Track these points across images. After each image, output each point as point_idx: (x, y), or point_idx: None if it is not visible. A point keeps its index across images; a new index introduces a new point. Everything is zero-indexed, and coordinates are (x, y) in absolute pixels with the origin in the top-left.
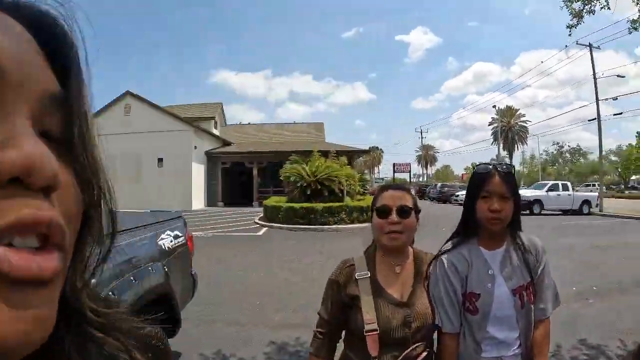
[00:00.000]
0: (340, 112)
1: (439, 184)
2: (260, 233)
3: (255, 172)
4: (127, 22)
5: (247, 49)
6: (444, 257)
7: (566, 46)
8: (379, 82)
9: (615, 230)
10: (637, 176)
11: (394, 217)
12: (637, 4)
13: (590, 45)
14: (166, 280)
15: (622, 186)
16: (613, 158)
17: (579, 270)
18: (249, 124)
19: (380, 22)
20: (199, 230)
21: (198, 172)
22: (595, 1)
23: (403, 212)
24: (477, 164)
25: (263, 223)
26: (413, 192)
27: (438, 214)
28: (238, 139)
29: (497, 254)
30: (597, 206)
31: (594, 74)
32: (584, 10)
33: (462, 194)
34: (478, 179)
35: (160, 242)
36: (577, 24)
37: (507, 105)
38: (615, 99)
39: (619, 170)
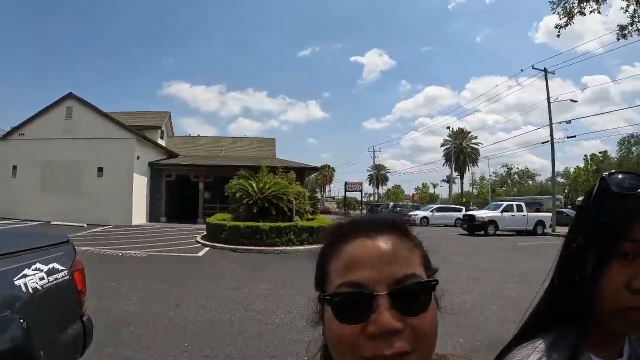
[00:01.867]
0: (293, 130)
1: (392, 204)
2: (201, 254)
3: (201, 186)
4: (81, 22)
5: (203, 62)
6: None
7: (522, 70)
8: (332, 101)
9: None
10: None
11: (384, 317)
12: (626, 10)
13: (545, 70)
14: (24, 339)
15: (570, 207)
16: (560, 180)
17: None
18: (198, 136)
19: (336, 43)
20: (134, 249)
21: (140, 185)
22: (586, 4)
23: (406, 298)
24: (613, 172)
25: (205, 242)
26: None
27: None
28: (185, 151)
29: None
30: (550, 227)
31: (548, 97)
32: (576, 11)
33: (414, 214)
34: (618, 210)
35: (19, 282)
36: (567, 24)
37: (459, 128)
38: (569, 122)
39: (566, 191)
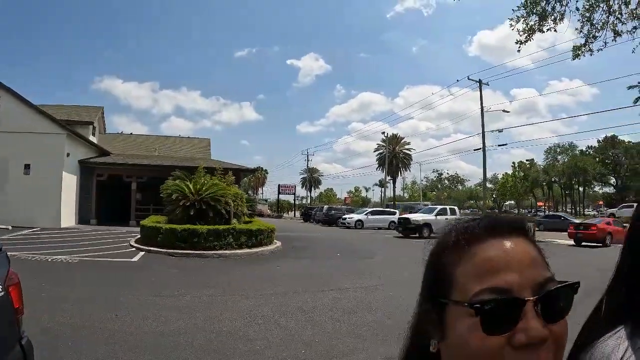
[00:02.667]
0: (226, 131)
1: (326, 207)
2: (136, 259)
3: (134, 187)
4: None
5: (137, 57)
6: None
7: (458, 80)
8: (267, 103)
9: None
10: (511, 202)
11: (534, 324)
12: (580, 31)
13: (480, 81)
14: None
15: (497, 211)
16: (489, 185)
17: None
18: (131, 134)
19: (273, 45)
20: (64, 254)
21: (70, 184)
22: (545, 22)
23: (550, 304)
24: None
25: (140, 246)
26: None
27: (334, 237)
28: (117, 149)
29: None
30: None
31: (482, 107)
32: (536, 28)
33: (349, 217)
34: None
35: None
36: (527, 40)
37: (393, 134)
38: (500, 131)
39: (494, 196)
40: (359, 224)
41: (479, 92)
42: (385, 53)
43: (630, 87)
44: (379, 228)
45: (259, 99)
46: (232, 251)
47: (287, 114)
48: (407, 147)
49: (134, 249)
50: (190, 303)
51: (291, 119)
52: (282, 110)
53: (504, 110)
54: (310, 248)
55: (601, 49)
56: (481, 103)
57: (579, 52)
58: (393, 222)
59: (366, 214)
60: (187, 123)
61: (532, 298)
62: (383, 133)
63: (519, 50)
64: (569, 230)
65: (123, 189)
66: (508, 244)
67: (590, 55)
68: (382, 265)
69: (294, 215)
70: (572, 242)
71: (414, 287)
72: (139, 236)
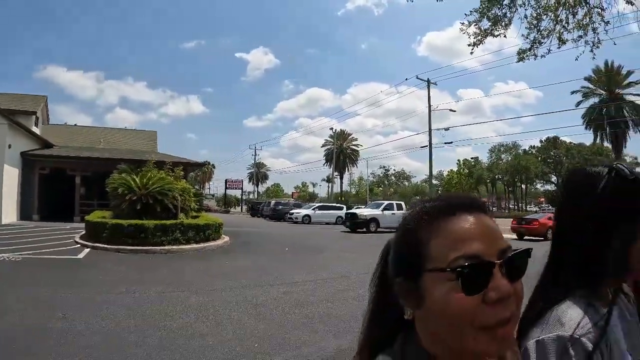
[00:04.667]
0: (173, 124)
1: (273, 202)
2: (82, 255)
3: (78, 180)
4: None
5: (82, 45)
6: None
7: (407, 79)
8: (214, 97)
9: None
10: None
11: (503, 283)
12: (527, 37)
13: (428, 81)
14: None
15: None
16: (435, 182)
17: None
18: (76, 125)
19: (222, 37)
20: (6, 252)
21: (11, 178)
22: (497, 27)
23: (513, 266)
24: (617, 165)
25: (85, 243)
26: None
27: (282, 232)
28: (61, 141)
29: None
30: None
31: (429, 106)
32: (488, 32)
33: (297, 212)
34: (634, 192)
35: None
36: (479, 43)
37: (341, 130)
38: (447, 129)
39: (440, 192)
40: (307, 219)
41: (426, 91)
42: (335, 50)
43: (573, 92)
44: (327, 223)
45: (206, 92)
46: (180, 247)
47: (234, 108)
48: (354, 143)
49: (79, 245)
50: (139, 300)
51: (239, 113)
52: (230, 104)
53: (450, 110)
54: (259, 243)
55: (544, 56)
56: (429, 102)
57: (524, 56)
58: (340, 217)
59: (313, 209)
60: (133, 115)
61: (499, 261)
62: (331, 129)
63: (471, 52)
64: (511, 225)
65: (67, 182)
66: (473, 217)
67: (535, 59)
68: (330, 259)
69: (242, 210)
70: (514, 236)
71: (363, 279)
72: (83, 232)
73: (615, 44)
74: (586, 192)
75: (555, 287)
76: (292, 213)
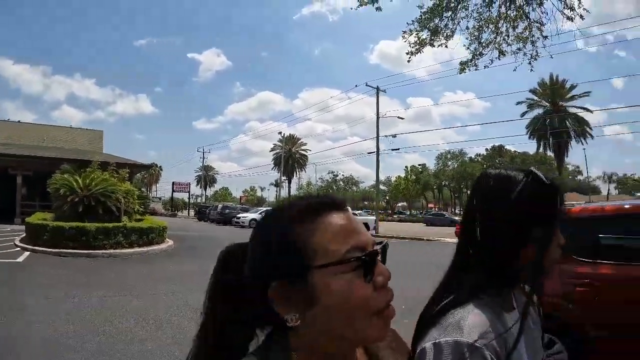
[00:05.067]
0: (121, 123)
1: (220, 205)
2: (21, 259)
3: (19, 180)
4: None
5: (31, 37)
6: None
7: (356, 86)
8: (164, 97)
9: (396, 250)
10: (403, 203)
11: (384, 268)
12: (468, 48)
13: (377, 88)
14: None
15: (390, 211)
16: (383, 187)
17: None
18: (19, 122)
19: (175, 36)
20: None
21: None
22: (437, 38)
23: (384, 255)
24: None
25: (25, 246)
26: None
27: (228, 236)
28: (3, 138)
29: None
30: (374, 229)
31: (378, 113)
32: (427, 42)
33: (244, 216)
34: (550, 197)
35: None
36: (417, 52)
37: (290, 134)
38: (394, 136)
39: (387, 197)
40: (254, 223)
41: (376, 98)
42: (288, 54)
43: (518, 103)
44: None
45: (156, 92)
46: (123, 250)
47: (184, 109)
48: (303, 148)
49: (18, 248)
50: (79, 305)
51: (189, 115)
52: (180, 105)
53: (398, 117)
54: (204, 247)
55: (487, 66)
56: (377, 109)
57: (465, 67)
58: None
59: (260, 213)
60: (80, 113)
61: (379, 249)
62: (279, 133)
63: (408, 61)
64: (455, 230)
65: (7, 182)
66: (345, 214)
67: (476, 70)
68: None
69: (189, 214)
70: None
71: None
72: (24, 235)
73: (552, 57)
74: (501, 195)
75: (460, 288)
76: (239, 217)
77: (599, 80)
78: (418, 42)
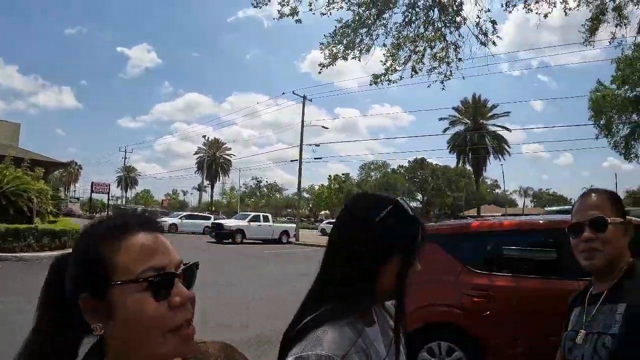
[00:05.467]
0: (41, 117)
1: (139, 208)
2: None
3: None
4: None
5: None
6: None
7: (283, 93)
8: (89, 90)
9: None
10: (326, 211)
11: (183, 289)
12: (384, 63)
13: (304, 97)
14: None
15: (313, 219)
16: (306, 195)
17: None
18: None
19: (106, 28)
20: None
21: None
22: (350, 52)
23: (187, 276)
24: (400, 199)
25: None
26: None
27: None
28: None
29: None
30: (294, 236)
31: (303, 121)
32: (340, 55)
33: (163, 220)
34: (413, 227)
35: None
36: (329, 64)
37: (215, 138)
38: (317, 145)
39: (310, 205)
40: (173, 228)
41: (302, 107)
42: (220, 56)
43: (441, 119)
44: (193, 233)
45: (81, 85)
46: (34, 253)
47: (109, 106)
48: (228, 152)
49: None
50: None
51: (113, 112)
52: (105, 100)
53: (322, 127)
54: None
55: (396, 81)
56: (302, 117)
57: (378, 81)
58: (207, 227)
59: (180, 218)
60: None
61: (179, 272)
62: (204, 136)
63: (320, 72)
64: None
65: None
66: (152, 235)
67: (389, 85)
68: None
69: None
70: None
71: (222, 290)
72: None
73: (464, 78)
74: (366, 219)
75: (321, 304)
76: (159, 221)
77: (521, 101)
78: (331, 55)
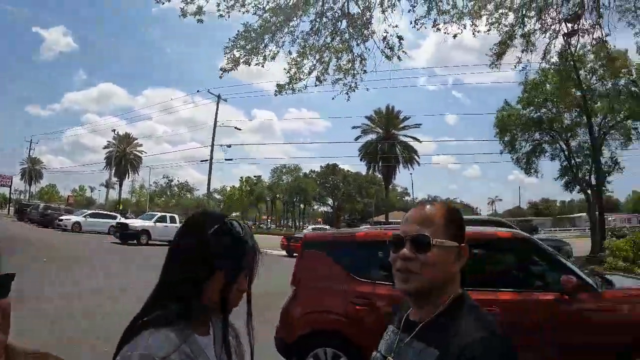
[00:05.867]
0: None
1: (42, 205)
2: None
3: None
4: None
5: None
6: None
7: (198, 91)
8: None
9: None
10: (237, 213)
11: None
12: (290, 72)
13: (219, 96)
14: None
15: None
16: (218, 196)
17: None
18: None
19: (24, 5)
20: None
21: None
22: (253, 57)
23: None
24: (230, 219)
25: None
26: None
27: (45, 240)
28: None
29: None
30: None
31: (215, 120)
32: (242, 61)
33: (66, 218)
34: (237, 247)
35: None
36: (231, 69)
37: (126, 132)
38: (229, 146)
39: (221, 207)
40: (77, 227)
41: (216, 106)
42: (140, 47)
43: (354, 127)
44: (98, 232)
45: None
46: None
47: (15, 90)
48: (139, 148)
49: None
50: None
51: (19, 97)
52: (13, 84)
53: (235, 127)
54: (13, 250)
55: (300, 90)
56: (215, 117)
57: (282, 90)
58: (113, 226)
59: (84, 216)
60: None
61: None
62: (113, 130)
63: (220, 77)
64: (281, 242)
65: None
66: None
67: (293, 93)
68: (87, 273)
69: (8, 212)
70: (284, 252)
71: (117, 297)
72: None
73: (367, 90)
74: (201, 231)
75: (157, 307)
76: (62, 219)
77: (434, 115)
78: (233, 59)
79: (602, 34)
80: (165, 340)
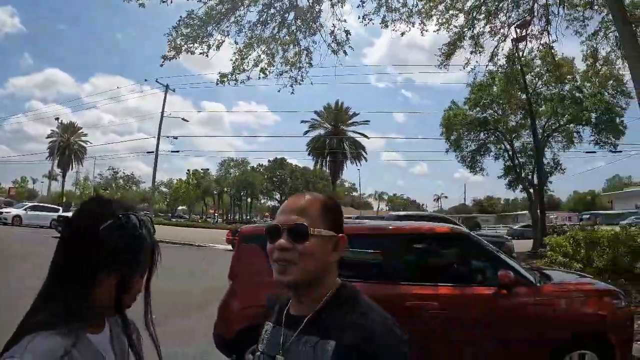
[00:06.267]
0: None
1: None
2: None
3: None
4: None
5: None
6: None
7: (146, 80)
8: None
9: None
10: (183, 207)
11: None
12: (234, 62)
13: (167, 86)
14: None
15: (170, 215)
16: (164, 189)
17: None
18: None
19: None
20: None
21: None
22: (197, 45)
23: None
24: (127, 213)
25: None
26: None
27: None
28: None
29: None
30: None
31: (162, 111)
32: (184, 49)
33: (6, 211)
34: (141, 242)
35: None
36: (173, 57)
37: (70, 121)
38: (176, 138)
39: (168, 200)
40: (17, 220)
41: (164, 96)
42: (89, 33)
43: (302, 122)
44: (40, 226)
45: None
46: None
47: None
48: (83, 138)
49: None
50: None
51: None
52: None
53: (182, 119)
54: None
55: (243, 82)
56: (163, 107)
57: (225, 80)
58: (55, 219)
59: (25, 209)
60: None
61: None
62: (57, 119)
63: (161, 65)
64: (226, 237)
65: None
66: None
67: (236, 85)
68: (32, 270)
69: None
70: (230, 247)
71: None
72: None
73: (312, 84)
74: (92, 226)
75: (47, 304)
76: (2, 212)
77: (383, 112)
78: (175, 47)
79: (549, 40)
80: (52, 344)
